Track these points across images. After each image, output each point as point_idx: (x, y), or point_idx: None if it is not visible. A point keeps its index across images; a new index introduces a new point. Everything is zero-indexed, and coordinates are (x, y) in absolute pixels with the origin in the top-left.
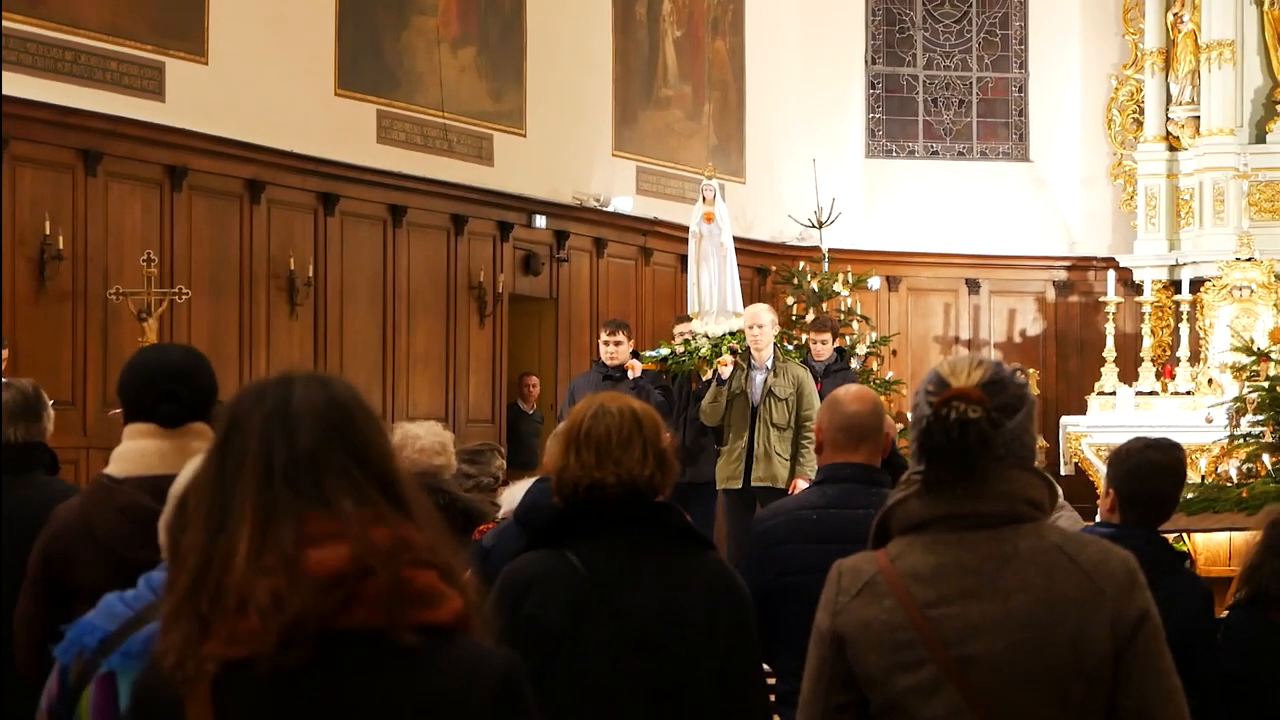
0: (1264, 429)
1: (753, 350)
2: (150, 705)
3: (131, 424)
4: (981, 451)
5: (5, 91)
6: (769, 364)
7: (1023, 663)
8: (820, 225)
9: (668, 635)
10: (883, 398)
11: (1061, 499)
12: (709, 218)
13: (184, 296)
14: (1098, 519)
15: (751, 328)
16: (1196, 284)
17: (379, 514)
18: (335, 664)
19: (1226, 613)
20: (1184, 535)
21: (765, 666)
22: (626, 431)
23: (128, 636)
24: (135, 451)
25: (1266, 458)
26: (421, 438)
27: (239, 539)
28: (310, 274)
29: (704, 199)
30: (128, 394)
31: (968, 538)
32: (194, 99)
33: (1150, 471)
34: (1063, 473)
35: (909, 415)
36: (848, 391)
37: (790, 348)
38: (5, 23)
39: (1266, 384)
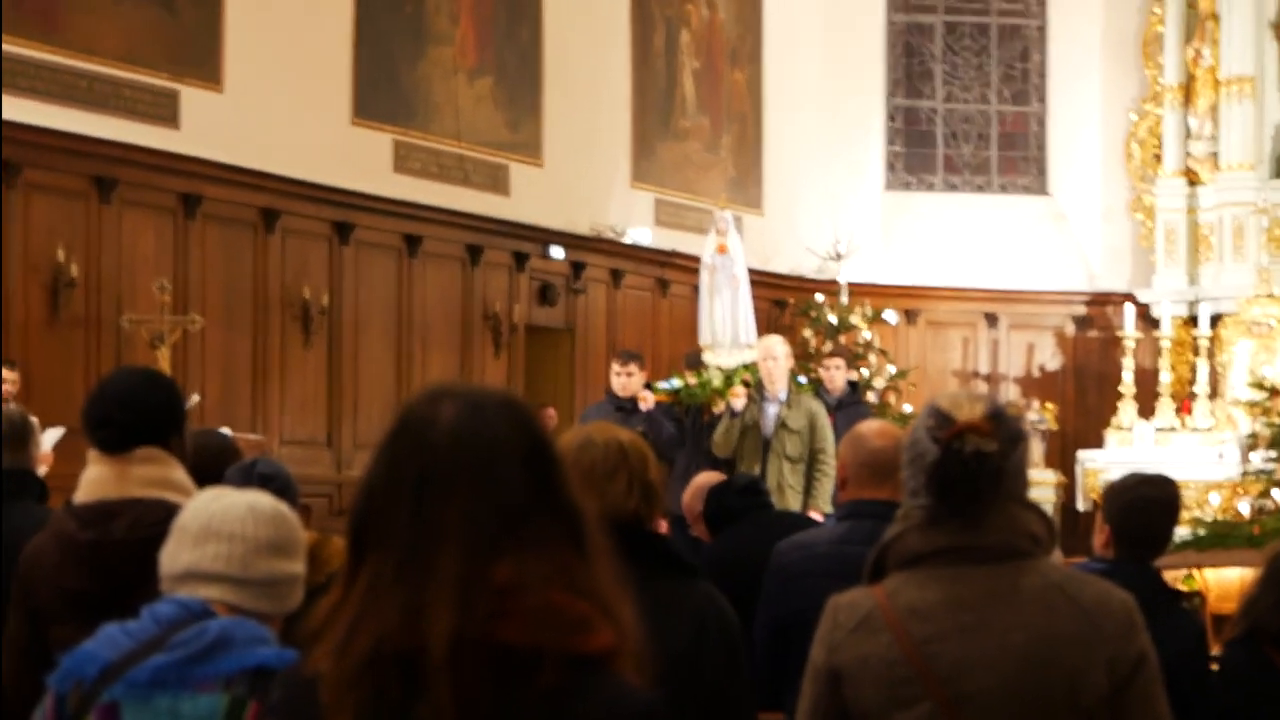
0: (1275, 465)
1: (766, 383)
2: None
3: (90, 449)
4: (992, 485)
5: (19, 119)
6: (782, 396)
7: (1019, 701)
8: (838, 258)
9: (656, 665)
10: (900, 429)
11: None
12: (722, 249)
13: (197, 325)
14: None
15: (766, 360)
16: (1216, 319)
17: (548, 540)
18: (479, 676)
19: (1223, 648)
20: (1194, 571)
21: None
22: (611, 463)
23: (130, 667)
24: (85, 477)
25: (1277, 494)
26: None
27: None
28: (325, 303)
29: (717, 230)
30: (84, 421)
31: (966, 573)
32: (209, 127)
33: (1143, 507)
34: (1080, 508)
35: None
36: (870, 427)
37: (802, 380)
38: (19, 50)
39: (1279, 420)
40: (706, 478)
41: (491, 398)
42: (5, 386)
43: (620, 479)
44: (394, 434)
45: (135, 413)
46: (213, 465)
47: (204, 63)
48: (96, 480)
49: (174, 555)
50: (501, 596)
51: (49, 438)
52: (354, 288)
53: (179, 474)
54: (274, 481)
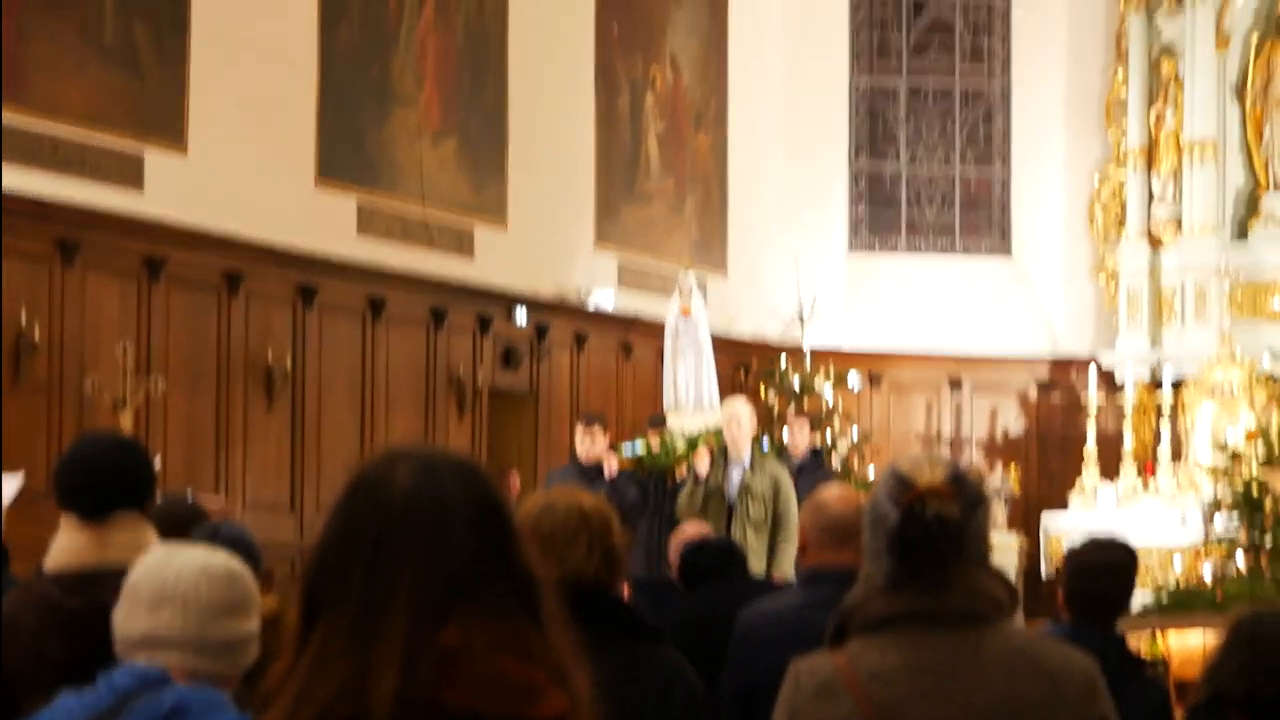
0: (1239, 529)
1: (730, 447)
2: None
3: (63, 515)
4: (953, 548)
5: None
6: (746, 461)
7: None
8: (802, 321)
9: None
10: (864, 496)
11: None
12: (686, 312)
13: (160, 389)
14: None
15: (729, 424)
16: (1178, 383)
17: (500, 605)
18: None
19: (1187, 714)
20: (1158, 637)
21: None
22: (571, 527)
23: None
24: (58, 544)
25: (1240, 558)
26: None
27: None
28: (288, 367)
29: (681, 293)
30: (55, 484)
31: (927, 638)
32: (173, 190)
33: (1099, 571)
34: (1043, 572)
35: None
36: (831, 492)
37: (765, 444)
38: None
39: (1242, 484)
40: (692, 529)
41: (446, 461)
42: None
43: (580, 543)
44: (348, 496)
45: (110, 479)
46: (182, 532)
47: (168, 125)
48: (72, 548)
49: (129, 620)
50: (448, 661)
51: (8, 486)
52: (317, 351)
53: (155, 540)
54: (237, 547)
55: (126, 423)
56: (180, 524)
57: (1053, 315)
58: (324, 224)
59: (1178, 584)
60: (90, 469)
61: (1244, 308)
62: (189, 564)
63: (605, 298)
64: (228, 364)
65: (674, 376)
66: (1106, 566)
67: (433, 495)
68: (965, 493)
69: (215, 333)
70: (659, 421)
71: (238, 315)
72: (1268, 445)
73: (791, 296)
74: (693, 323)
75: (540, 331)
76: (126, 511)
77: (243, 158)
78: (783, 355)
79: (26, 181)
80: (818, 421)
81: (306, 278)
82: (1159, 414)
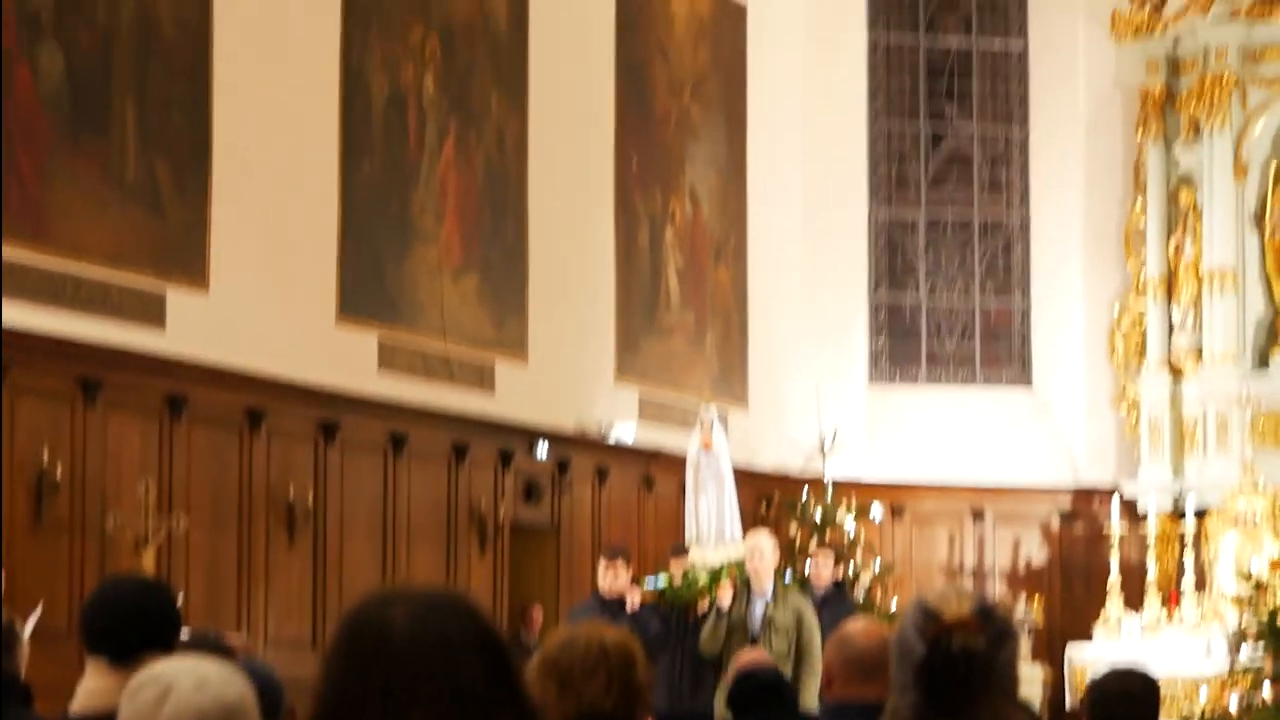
0: (1264, 659)
1: (752, 580)
2: None
3: (89, 658)
4: (981, 682)
5: (5, 322)
6: (769, 593)
7: None
8: (824, 453)
9: None
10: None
11: None
12: (707, 445)
13: (182, 526)
14: None
15: (752, 557)
16: (1201, 512)
17: None
18: None
19: None
20: None
21: None
22: (591, 662)
23: None
24: (85, 687)
25: (1267, 688)
26: None
27: None
28: (310, 503)
29: (701, 426)
30: (82, 628)
31: None
32: (194, 328)
33: (1121, 701)
34: (1067, 707)
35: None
36: (856, 625)
37: (789, 578)
38: (6, 252)
39: (1266, 614)
40: (749, 656)
41: (441, 597)
42: None
43: (599, 678)
44: (348, 642)
45: (137, 621)
46: None
47: (190, 264)
48: (100, 691)
49: None
50: None
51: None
52: (339, 487)
53: None
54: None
55: (148, 561)
56: None
57: (1074, 445)
58: (345, 360)
59: (1203, 715)
60: (117, 612)
61: (1266, 437)
62: (184, 708)
63: (626, 431)
64: (249, 500)
65: (696, 509)
66: (1129, 696)
67: (437, 635)
68: (993, 626)
69: (237, 469)
70: (681, 550)
71: (259, 452)
72: None
73: (813, 428)
74: (714, 456)
75: (562, 466)
76: (154, 654)
77: (264, 295)
78: (804, 487)
79: (49, 320)
80: (840, 553)
81: (328, 414)
82: (1182, 544)
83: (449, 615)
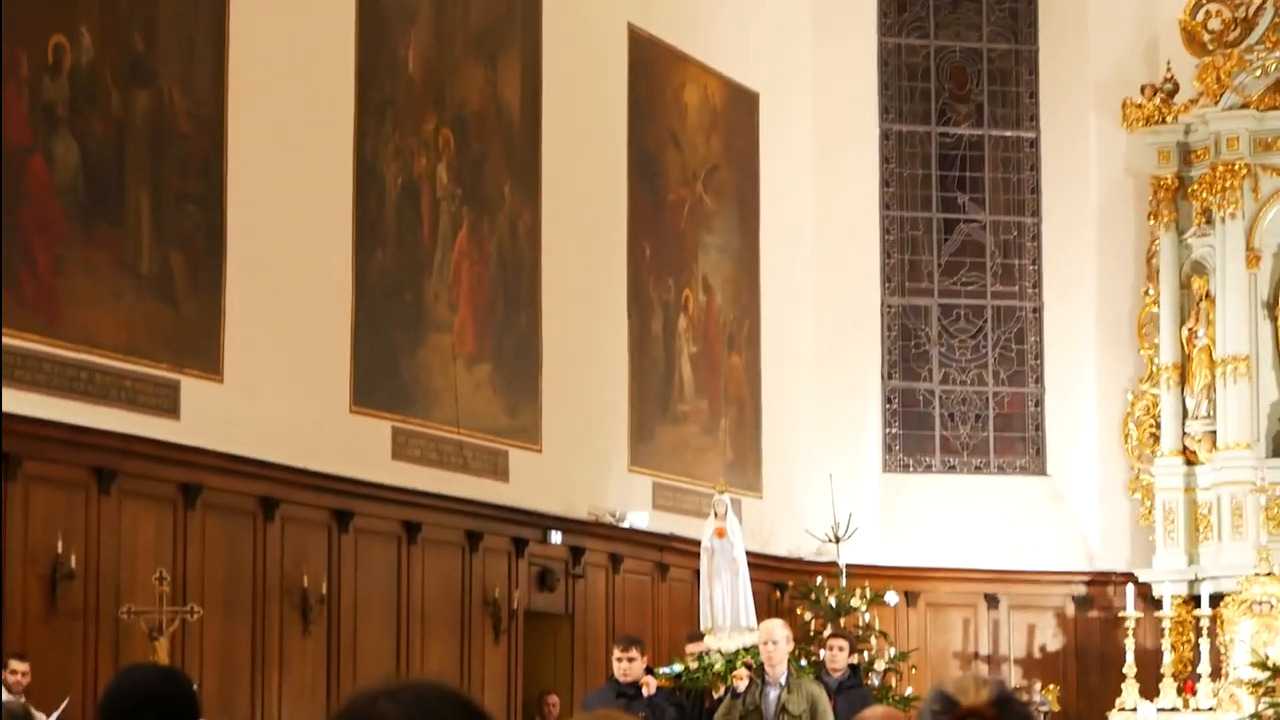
0: None
1: (766, 666)
2: None
3: None
4: None
5: (20, 411)
6: (783, 680)
7: None
8: (837, 540)
9: None
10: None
11: None
12: (720, 533)
13: (196, 615)
14: None
15: (766, 643)
16: (1217, 598)
17: None
18: None
19: None
20: None
21: None
22: None
23: None
24: None
25: None
26: None
27: None
28: (324, 591)
29: (715, 514)
30: (101, 716)
31: None
32: (209, 417)
33: None
34: None
35: None
36: (875, 712)
37: (804, 664)
38: (21, 342)
39: None
40: None
41: (433, 690)
42: (15, 678)
43: None
44: None
45: (160, 710)
46: None
47: (204, 353)
48: None
49: None
50: None
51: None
52: (353, 575)
53: None
54: None
55: (163, 650)
56: None
57: (1089, 531)
58: (359, 449)
59: None
60: (138, 699)
61: None
62: None
63: (640, 518)
64: (264, 589)
65: (710, 596)
66: None
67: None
68: (1010, 713)
69: (251, 558)
70: (697, 636)
71: (274, 540)
72: None
73: (826, 516)
74: (728, 543)
75: (575, 553)
76: None
77: (278, 385)
78: (818, 575)
79: (64, 410)
80: (855, 640)
81: (342, 502)
82: (1198, 630)
83: (441, 708)
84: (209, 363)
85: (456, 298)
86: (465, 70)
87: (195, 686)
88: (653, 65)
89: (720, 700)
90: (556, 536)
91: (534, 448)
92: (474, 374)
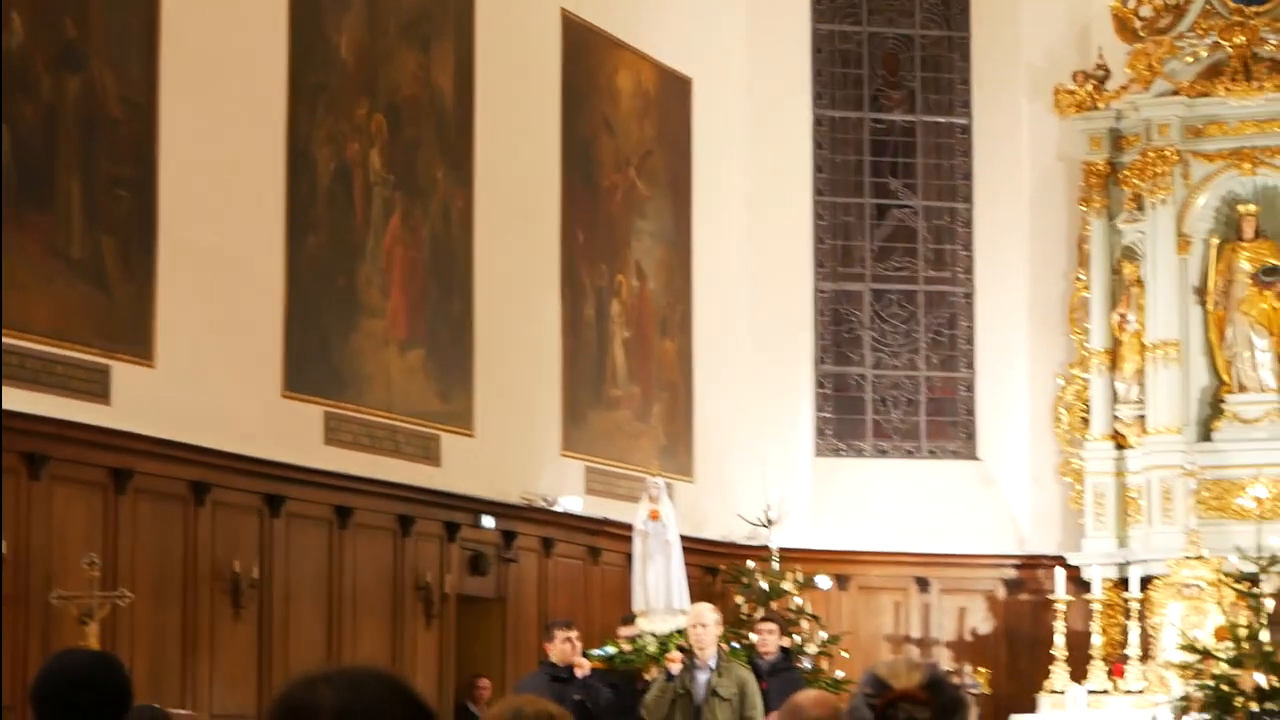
0: None
1: (696, 649)
2: None
3: None
4: None
5: None
6: (712, 663)
7: None
8: (769, 524)
9: None
10: (835, 698)
11: None
12: (654, 516)
13: (127, 600)
14: None
15: (695, 626)
16: (1146, 581)
17: None
18: None
19: None
20: None
21: None
22: None
23: None
24: None
25: None
26: None
27: None
28: (255, 576)
29: (650, 497)
30: (35, 702)
31: None
32: (140, 402)
33: None
34: None
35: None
36: (807, 696)
37: (736, 646)
38: None
39: (1211, 682)
40: None
41: (368, 675)
42: None
43: None
44: None
45: (94, 694)
46: None
47: (136, 338)
48: None
49: None
50: None
51: None
52: (285, 560)
53: None
54: None
55: (93, 635)
56: None
57: (1020, 515)
58: (291, 434)
59: None
60: (71, 684)
61: (1210, 506)
62: None
63: (573, 503)
64: (195, 574)
65: (644, 579)
66: None
67: (363, 713)
68: (942, 697)
69: (182, 543)
70: (630, 619)
71: (205, 525)
72: (1236, 643)
73: (759, 500)
74: (662, 526)
75: (508, 537)
76: None
77: (210, 370)
78: (750, 559)
79: None
80: (786, 623)
81: (273, 487)
82: (1127, 613)
83: (375, 693)
84: (140, 348)
85: (389, 283)
86: (398, 55)
87: (127, 671)
88: (586, 51)
89: (653, 683)
90: (489, 521)
91: (466, 432)
92: (406, 359)
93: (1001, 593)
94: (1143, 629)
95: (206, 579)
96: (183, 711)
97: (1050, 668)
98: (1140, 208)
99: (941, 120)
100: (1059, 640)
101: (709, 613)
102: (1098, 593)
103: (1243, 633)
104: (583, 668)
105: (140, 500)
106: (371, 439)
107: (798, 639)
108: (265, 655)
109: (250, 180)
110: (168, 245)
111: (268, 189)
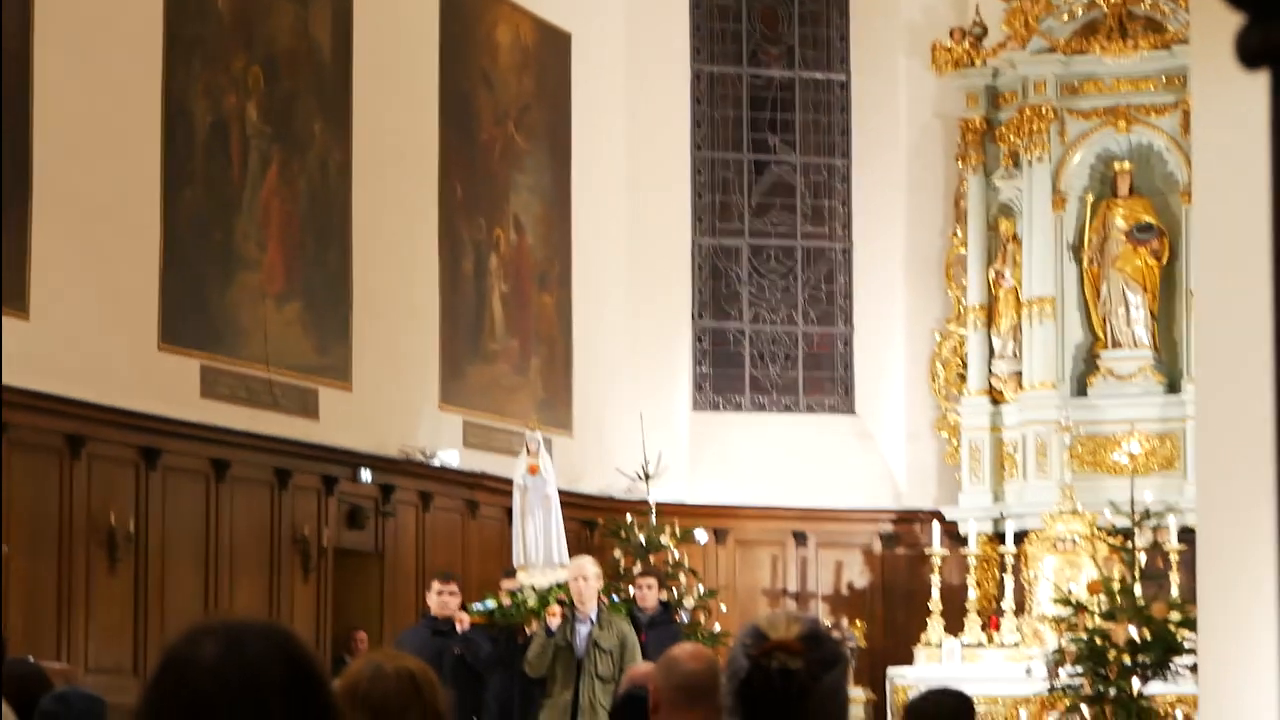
0: (1083, 680)
1: (577, 602)
2: None
3: None
4: (801, 704)
5: None
6: (593, 616)
7: None
8: (647, 478)
9: None
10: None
11: None
12: (533, 470)
13: (2, 553)
14: None
15: (576, 579)
16: (1021, 536)
17: None
18: None
19: None
20: None
21: None
22: (405, 696)
23: None
24: None
25: (1085, 709)
26: None
27: None
28: (131, 530)
29: (528, 450)
30: None
31: None
32: (15, 354)
33: (932, 715)
34: None
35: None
36: (684, 649)
37: (615, 599)
38: None
39: (1085, 636)
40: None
41: (251, 630)
42: None
43: (413, 713)
44: (156, 678)
45: None
46: (26, 694)
47: (10, 290)
48: None
49: None
50: None
51: None
52: (161, 513)
53: (5, 708)
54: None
55: None
56: (28, 689)
57: (896, 470)
58: (167, 387)
59: None
60: None
61: (1085, 462)
62: None
63: (451, 457)
64: (70, 527)
65: (523, 533)
66: (944, 715)
67: (241, 668)
68: (818, 649)
69: (58, 496)
70: (510, 573)
71: (80, 478)
72: (1110, 597)
73: (637, 454)
74: (541, 480)
75: (385, 491)
76: None
77: (85, 322)
78: (628, 513)
79: None
80: (665, 577)
81: (150, 440)
82: (1002, 567)
83: (258, 648)
84: (15, 300)
85: (266, 236)
86: (276, 8)
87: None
88: (465, 5)
89: (532, 637)
90: (366, 475)
91: (344, 386)
92: (283, 312)
93: (878, 547)
94: (1018, 583)
95: (82, 532)
96: (58, 664)
97: (926, 621)
98: (1016, 165)
99: (820, 76)
100: (935, 594)
101: (590, 566)
102: (973, 547)
103: (1116, 586)
104: (463, 622)
105: (15, 453)
106: (248, 392)
107: (676, 593)
108: (141, 609)
109: (126, 133)
110: (42, 197)
111: (144, 141)
